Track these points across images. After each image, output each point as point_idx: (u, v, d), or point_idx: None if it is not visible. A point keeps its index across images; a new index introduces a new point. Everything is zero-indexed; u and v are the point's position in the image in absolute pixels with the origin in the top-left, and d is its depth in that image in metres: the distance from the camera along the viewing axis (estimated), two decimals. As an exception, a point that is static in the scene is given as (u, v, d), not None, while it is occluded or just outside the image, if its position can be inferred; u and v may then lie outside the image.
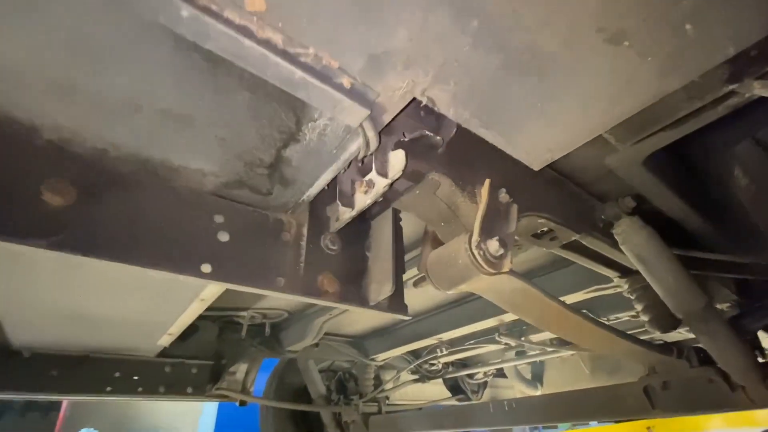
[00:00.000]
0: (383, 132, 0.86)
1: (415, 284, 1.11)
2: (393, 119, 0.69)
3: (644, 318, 1.72)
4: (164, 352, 2.36)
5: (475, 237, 0.88)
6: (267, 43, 0.52)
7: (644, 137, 1.14)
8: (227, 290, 1.67)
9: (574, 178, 1.45)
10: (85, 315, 1.68)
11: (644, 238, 1.40)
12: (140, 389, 2.29)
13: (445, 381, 3.88)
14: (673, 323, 1.74)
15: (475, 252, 0.88)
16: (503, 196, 1.00)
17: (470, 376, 3.93)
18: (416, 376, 3.62)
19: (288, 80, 0.55)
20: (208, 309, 2.48)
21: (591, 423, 4.95)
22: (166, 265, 0.72)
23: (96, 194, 0.71)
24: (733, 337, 1.34)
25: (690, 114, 1.10)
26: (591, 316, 1.20)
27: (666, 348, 1.55)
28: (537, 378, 3.68)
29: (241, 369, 3.05)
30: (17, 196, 0.65)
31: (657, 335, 1.90)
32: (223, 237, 0.83)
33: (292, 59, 0.54)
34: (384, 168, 0.81)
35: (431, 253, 1.01)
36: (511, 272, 0.96)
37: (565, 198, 1.38)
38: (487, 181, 1.00)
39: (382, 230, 1.07)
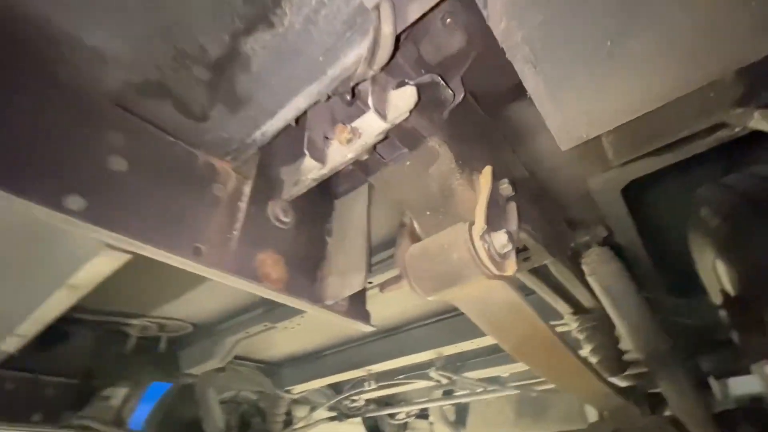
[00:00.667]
0: (384, 71, 0.65)
1: (382, 288, 0.86)
2: (419, 20, 0.47)
3: (593, 359, 1.65)
4: (9, 363, 1.73)
5: (480, 225, 0.68)
6: None
7: (638, 157, 1.08)
8: (114, 287, 1.23)
9: (554, 199, 1.36)
10: None
11: (613, 270, 1.33)
12: (-45, 413, 1.63)
13: (364, 420, 3.52)
14: (621, 366, 1.69)
15: (478, 244, 0.67)
16: (505, 187, 0.83)
17: (392, 415, 3.62)
18: (333, 413, 3.23)
19: None
20: (85, 311, 1.93)
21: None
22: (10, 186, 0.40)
23: None
24: (690, 383, 1.28)
25: (682, 140, 1.06)
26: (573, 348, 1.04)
27: (621, 391, 1.46)
28: (461, 421, 3.50)
29: (118, 393, 2.42)
30: None
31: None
32: (117, 164, 0.52)
33: None
34: (382, 104, 0.58)
35: (413, 246, 0.78)
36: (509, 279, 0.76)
37: (544, 218, 1.26)
38: (488, 168, 0.82)
39: (351, 211, 0.82)
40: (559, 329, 1.88)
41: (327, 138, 0.66)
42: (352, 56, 0.51)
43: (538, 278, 1.46)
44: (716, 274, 1.43)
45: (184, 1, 0.45)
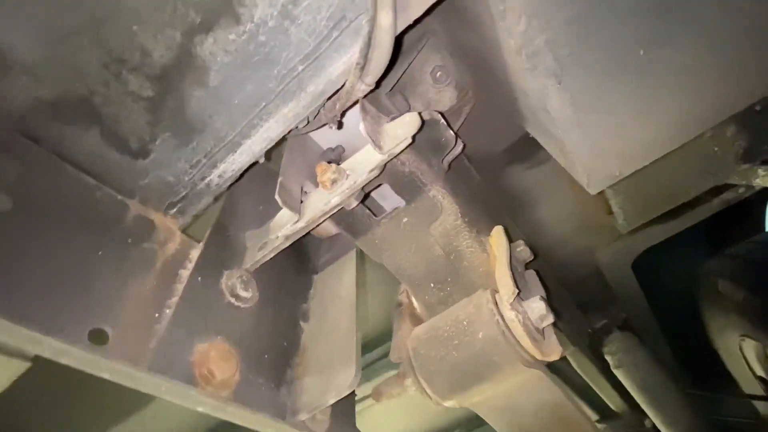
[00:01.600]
0: (374, 105, 0.55)
1: (378, 394, 0.62)
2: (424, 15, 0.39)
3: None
4: None
5: (511, 289, 0.51)
6: None
7: (646, 224, 0.99)
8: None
9: (561, 277, 1.20)
10: None
11: (642, 358, 1.12)
12: None
13: None
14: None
15: (510, 316, 0.49)
16: (522, 249, 0.68)
17: None
18: None
19: None
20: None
21: None
22: None
23: None
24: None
25: (689, 206, 1.00)
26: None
27: None
28: None
29: None
30: None
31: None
32: (-7, 202, 0.35)
33: None
34: (377, 135, 0.46)
35: (417, 329, 0.59)
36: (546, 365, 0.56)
37: (555, 301, 1.10)
38: (499, 227, 0.68)
39: (336, 285, 0.63)
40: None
41: (305, 181, 0.52)
42: (340, 65, 0.40)
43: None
44: (745, 357, 1.26)
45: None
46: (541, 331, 0.52)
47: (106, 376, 0.36)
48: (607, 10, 0.40)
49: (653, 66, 0.44)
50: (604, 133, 0.50)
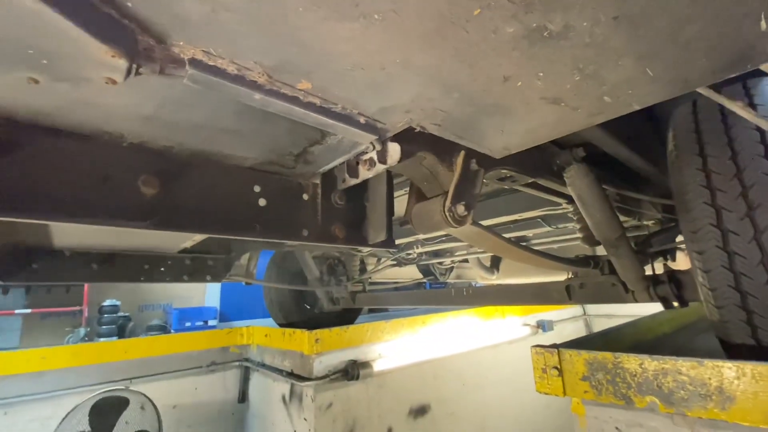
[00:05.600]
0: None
1: (401, 225, 1.44)
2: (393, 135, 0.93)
3: (579, 235, 2.20)
4: (184, 250, 2.77)
5: (448, 203, 1.20)
6: (308, 104, 0.74)
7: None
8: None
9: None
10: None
11: (586, 183, 1.74)
12: (168, 278, 2.78)
13: (418, 266, 4.61)
14: (597, 242, 2.23)
15: (447, 213, 1.20)
16: (473, 165, 1.28)
17: (440, 263, 4.66)
18: (395, 262, 4.28)
19: (322, 124, 0.79)
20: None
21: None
22: (229, 232, 1.02)
23: (172, 180, 0.96)
24: (633, 258, 1.82)
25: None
26: (527, 246, 1.61)
27: (586, 261, 2.05)
28: (495, 265, 4.43)
29: (244, 257, 3.58)
30: (120, 189, 0.90)
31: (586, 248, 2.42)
32: (262, 202, 1.12)
33: (326, 111, 0.76)
34: (384, 157, 1.07)
35: (414, 207, 1.33)
36: (474, 223, 1.30)
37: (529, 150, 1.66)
38: (462, 153, 1.26)
39: (378, 186, 1.36)
40: (560, 211, 2.39)
41: (358, 163, 1.16)
42: (362, 147, 0.99)
43: (533, 188, 1.90)
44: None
45: (280, 144, 0.95)
46: (462, 217, 1.23)
47: (309, 245, 1.22)
48: (469, 121, 0.89)
49: (510, 127, 0.93)
50: (491, 145, 1.02)
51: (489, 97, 0.77)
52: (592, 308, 5.79)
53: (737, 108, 1.06)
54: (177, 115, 0.82)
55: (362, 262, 4.61)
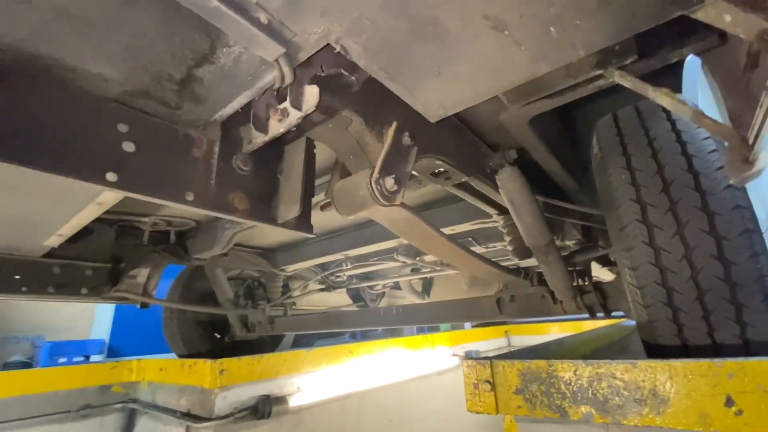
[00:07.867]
0: (300, 65, 0.90)
1: (322, 208, 1.24)
2: (309, 58, 0.74)
3: (509, 247, 2.15)
4: (52, 253, 2.22)
5: (376, 174, 1.02)
6: (181, -34, 0.52)
7: (529, 102, 1.35)
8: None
9: (474, 129, 1.65)
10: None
11: (518, 186, 1.70)
12: (24, 288, 2.17)
13: (348, 291, 4.32)
14: (527, 253, 2.21)
15: (374, 186, 1.02)
16: (406, 138, 1.13)
17: (371, 287, 4.42)
18: (322, 286, 3.95)
19: (202, 6, 0.57)
20: (104, 212, 2.35)
21: (467, 325, 6.04)
22: (68, 171, 0.72)
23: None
24: (562, 266, 1.78)
25: (567, 88, 1.32)
26: (462, 244, 1.49)
27: (517, 271, 1.98)
28: (426, 290, 4.31)
29: (142, 273, 3.01)
30: None
31: (516, 261, 2.39)
32: (129, 147, 0.84)
33: (209, -12, 0.55)
34: (298, 101, 0.87)
35: (337, 183, 1.13)
36: (403, 205, 1.13)
37: (464, 145, 1.58)
38: (393, 124, 1.11)
39: (294, 156, 1.14)
40: (490, 225, 2.35)
41: (268, 112, 0.95)
42: (269, 78, 0.78)
43: (464, 190, 1.83)
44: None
45: (153, 53, 0.70)
46: (391, 192, 1.06)
47: (197, 210, 0.94)
48: (400, 44, 0.73)
49: (447, 66, 0.79)
50: (426, 96, 0.87)
51: (425, 5, 0.62)
52: (517, 339, 5.92)
53: (661, 94, 1.06)
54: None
55: (286, 285, 4.21)
